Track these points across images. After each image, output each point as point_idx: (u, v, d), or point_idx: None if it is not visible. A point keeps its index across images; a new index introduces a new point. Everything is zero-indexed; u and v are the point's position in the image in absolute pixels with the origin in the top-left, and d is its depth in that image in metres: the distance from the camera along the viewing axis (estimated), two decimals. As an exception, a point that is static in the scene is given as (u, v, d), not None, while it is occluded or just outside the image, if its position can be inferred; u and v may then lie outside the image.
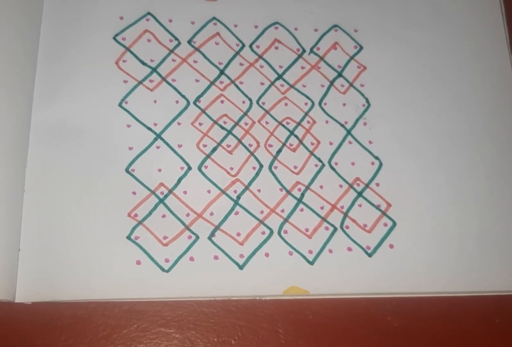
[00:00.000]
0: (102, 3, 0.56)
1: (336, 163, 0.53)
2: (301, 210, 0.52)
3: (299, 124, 0.54)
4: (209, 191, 0.51)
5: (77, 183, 0.50)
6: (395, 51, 0.58)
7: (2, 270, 0.46)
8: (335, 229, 0.51)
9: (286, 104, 0.55)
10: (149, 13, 0.57)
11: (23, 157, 0.50)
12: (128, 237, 0.49)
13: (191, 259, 0.49)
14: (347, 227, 0.51)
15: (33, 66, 0.53)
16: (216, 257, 0.49)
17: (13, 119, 0.51)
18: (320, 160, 0.53)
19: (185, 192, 0.51)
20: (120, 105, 0.53)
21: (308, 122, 0.55)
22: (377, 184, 0.53)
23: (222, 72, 0.55)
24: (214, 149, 0.53)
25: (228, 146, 0.53)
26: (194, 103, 0.54)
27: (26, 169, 0.50)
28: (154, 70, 0.55)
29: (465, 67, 0.58)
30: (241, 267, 0.49)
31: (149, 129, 0.53)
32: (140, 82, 0.54)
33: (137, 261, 0.48)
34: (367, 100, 0.56)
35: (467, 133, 0.55)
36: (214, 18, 0.57)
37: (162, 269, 0.48)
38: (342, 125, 0.55)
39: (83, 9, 0.56)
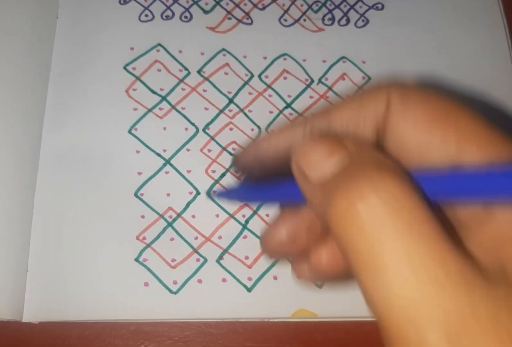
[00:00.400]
0: (114, 34, 0.58)
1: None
2: (308, 235, 0.52)
3: (306, 152, 0.55)
4: (217, 216, 0.52)
5: (86, 206, 0.50)
6: (401, 82, 0.59)
7: (10, 290, 0.47)
8: (342, 254, 0.51)
9: (293, 133, 0.56)
10: (159, 44, 0.58)
11: (33, 181, 0.51)
12: (137, 260, 0.49)
13: (199, 281, 0.49)
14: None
15: (44, 92, 0.54)
16: (224, 280, 0.49)
17: (23, 144, 0.51)
18: (325, 188, 0.54)
19: (193, 216, 0.52)
20: (129, 131, 0.54)
21: (315, 150, 0.55)
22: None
23: (231, 101, 0.56)
24: (223, 175, 0.53)
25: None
26: (203, 130, 0.55)
27: (35, 192, 0.50)
28: (163, 98, 0.56)
29: (473, 101, 0.58)
30: (249, 289, 0.49)
31: (158, 155, 0.53)
32: (149, 110, 0.55)
33: (145, 283, 0.48)
34: (372, 130, 0.57)
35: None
36: (223, 49, 0.58)
37: (170, 291, 0.48)
38: (347, 155, 0.55)
39: (95, 39, 0.57)
